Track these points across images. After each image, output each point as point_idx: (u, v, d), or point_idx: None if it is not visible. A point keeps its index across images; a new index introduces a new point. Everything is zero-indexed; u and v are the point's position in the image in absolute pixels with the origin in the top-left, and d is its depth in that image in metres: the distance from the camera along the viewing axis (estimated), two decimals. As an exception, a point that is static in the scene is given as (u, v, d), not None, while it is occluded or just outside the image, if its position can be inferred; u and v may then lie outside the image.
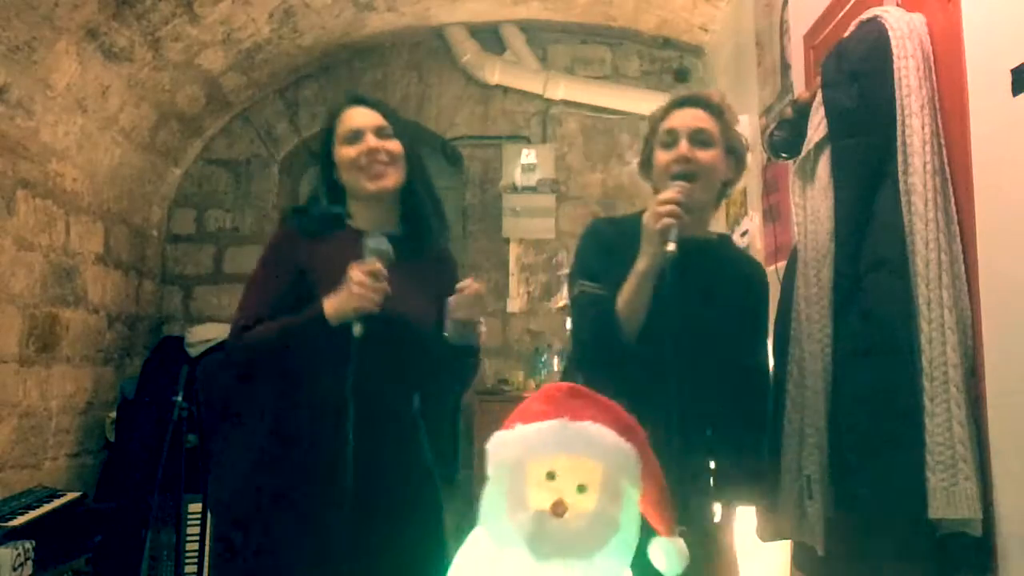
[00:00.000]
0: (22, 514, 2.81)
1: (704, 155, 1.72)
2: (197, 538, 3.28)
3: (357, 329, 1.61)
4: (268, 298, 1.76)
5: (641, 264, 1.64)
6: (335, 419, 1.63)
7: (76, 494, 3.16)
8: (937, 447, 1.51)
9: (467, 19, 4.40)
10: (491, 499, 1.30)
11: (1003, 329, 1.52)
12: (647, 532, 1.32)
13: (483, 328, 1.77)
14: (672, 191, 1.64)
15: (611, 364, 1.67)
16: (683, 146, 1.71)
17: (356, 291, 1.61)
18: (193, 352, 4.02)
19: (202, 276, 4.50)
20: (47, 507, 2.93)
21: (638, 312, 1.65)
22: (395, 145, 1.82)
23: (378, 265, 1.64)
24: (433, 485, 1.83)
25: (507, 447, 1.30)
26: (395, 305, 1.69)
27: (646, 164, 1.82)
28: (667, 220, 1.59)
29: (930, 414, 1.53)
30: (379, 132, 1.81)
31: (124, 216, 4.00)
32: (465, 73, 4.53)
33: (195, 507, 3.26)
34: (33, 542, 2.72)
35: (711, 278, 1.75)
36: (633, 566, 1.32)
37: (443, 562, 1.48)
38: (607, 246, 1.78)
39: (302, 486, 1.70)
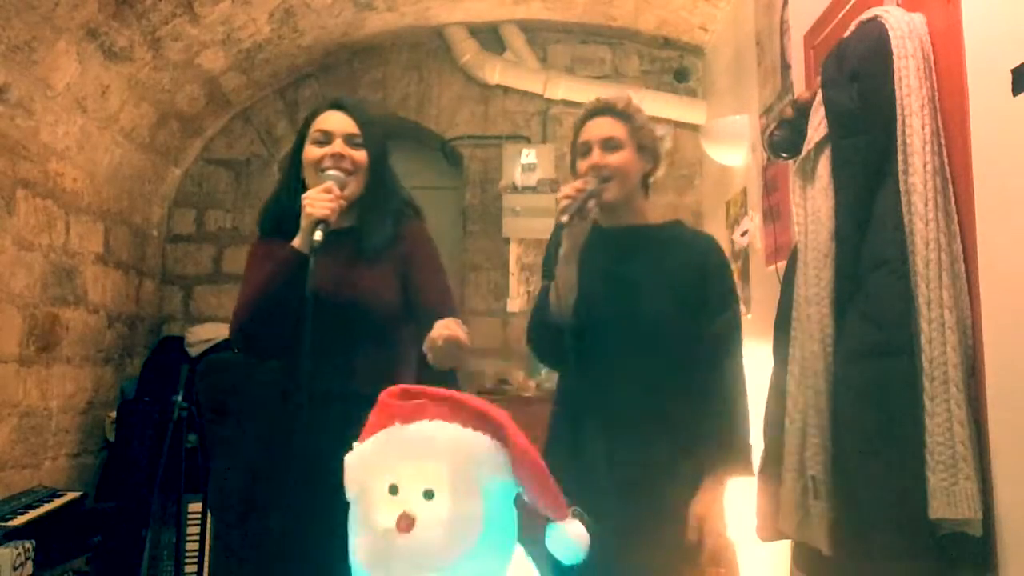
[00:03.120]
0: (22, 514, 2.81)
1: (615, 159, 1.91)
2: (197, 538, 3.28)
3: (318, 236, 1.68)
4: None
5: (562, 249, 1.85)
6: (310, 409, 1.61)
7: (76, 494, 3.16)
8: (937, 447, 1.51)
9: (467, 19, 4.40)
10: (349, 532, 1.20)
11: (1003, 329, 1.52)
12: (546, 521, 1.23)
13: (464, 349, 1.65)
14: (575, 183, 1.86)
15: (555, 347, 1.88)
16: (595, 155, 1.92)
17: (308, 204, 1.71)
18: (193, 352, 4.02)
19: (202, 276, 4.50)
20: (47, 507, 2.93)
21: (565, 294, 1.84)
22: (361, 155, 1.85)
23: (330, 184, 1.75)
24: None
25: (350, 471, 1.20)
26: (346, 292, 1.76)
27: (572, 170, 2.03)
28: (564, 201, 1.80)
29: (930, 414, 1.53)
30: (349, 139, 1.84)
31: (124, 216, 4.00)
32: (465, 73, 4.53)
33: (195, 507, 3.26)
34: (33, 542, 2.72)
35: (650, 259, 1.92)
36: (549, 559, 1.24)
37: None
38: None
39: (290, 478, 1.69)
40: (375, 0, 4.00)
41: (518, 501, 1.22)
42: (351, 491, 1.19)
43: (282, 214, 1.87)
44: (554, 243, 2.00)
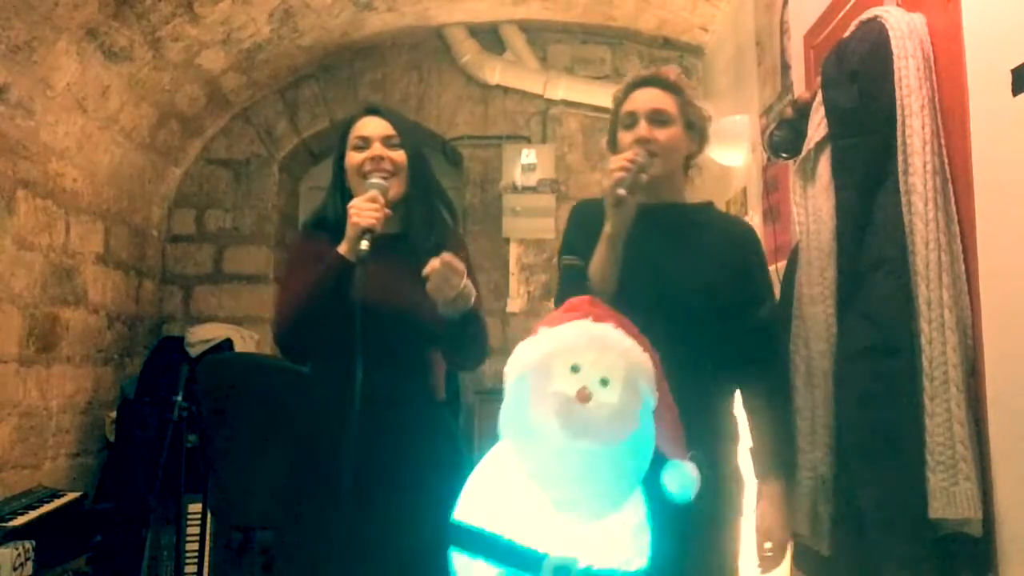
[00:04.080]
0: (22, 514, 2.81)
1: (662, 134, 1.79)
2: (197, 538, 3.28)
3: (364, 245, 1.69)
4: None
5: (607, 227, 1.70)
6: (346, 413, 1.65)
7: (76, 494, 3.16)
8: (937, 447, 1.51)
9: (467, 19, 4.40)
10: (513, 401, 1.35)
11: (1003, 329, 1.52)
12: (659, 459, 1.38)
13: (469, 291, 1.75)
14: (625, 154, 1.73)
15: None
16: (642, 127, 1.79)
17: (354, 213, 1.73)
18: (193, 352, 4.02)
19: (202, 276, 4.49)
20: (47, 507, 2.93)
21: (608, 273, 1.70)
22: (399, 155, 1.88)
23: (375, 192, 1.76)
24: (460, 467, 1.83)
25: (531, 348, 1.36)
26: (394, 300, 1.77)
27: (612, 144, 1.89)
28: (619, 174, 1.67)
29: (930, 414, 1.53)
30: (386, 141, 1.88)
31: (124, 216, 4.00)
32: (465, 73, 4.53)
33: (195, 507, 3.26)
34: (33, 542, 2.72)
35: (691, 240, 1.80)
36: (649, 491, 1.38)
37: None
38: (587, 223, 1.81)
39: (319, 479, 1.74)
40: (375, 0, 4.00)
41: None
42: (525, 367, 1.35)
43: (330, 222, 1.88)
44: (577, 220, 1.89)
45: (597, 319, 1.36)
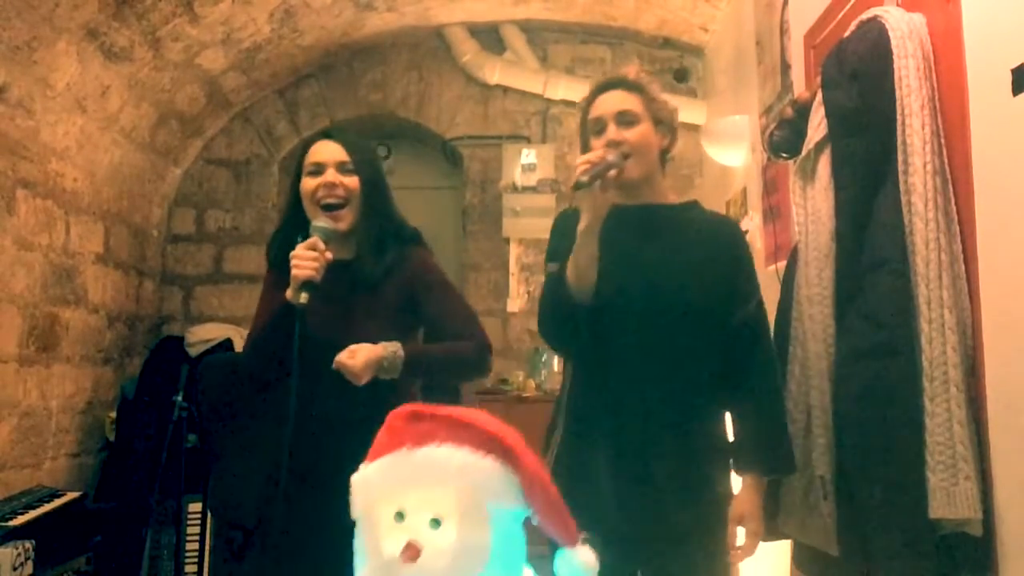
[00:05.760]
0: (22, 514, 2.81)
1: (632, 133, 1.78)
2: (197, 538, 3.28)
3: (303, 297, 1.70)
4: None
5: (580, 223, 1.68)
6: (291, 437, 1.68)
7: (76, 494, 3.16)
8: (937, 447, 1.52)
9: (467, 19, 4.40)
10: (355, 557, 1.15)
11: (1003, 329, 1.52)
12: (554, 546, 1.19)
13: (391, 364, 1.75)
14: (594, 152, 1.72)
15: (570, 330, 1.72)
16: (611, 130, 1.78)
17: (294, 264, 1.73)
18: (193, 352, 4.02)
19: (202, 276, 4.50)
20: (47, 507, 2.93)
21: (585, 271, 1.68)
22: (352, 181, 1.86)
23: (315, 239, 1.75)
24: None
25: (355, 493, 1.15)
26: (344, 333, 1.77)
27: (585, 151, 1.85)
28: (582, 167, 1.66)
29: (930, 414, 1.53)
30: (340, 166, 1.86)
31: (124, 216, 4.00)
32: (465, 73, 4.53)
33: (195, 507, 3.26)
34: (33, 542, 2.72)
35: (673, 241, 1.78)
36: None
37: None
38: (569, 231, 1.79)
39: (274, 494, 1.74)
40: (375, 0, 4.00)
41: (527, 522, 1.18)
42: (356, 513, 1.16)
43: (287, 247, 1.87)
44: (559, 228, 1.88)
45: (417, 443, 1.13)
